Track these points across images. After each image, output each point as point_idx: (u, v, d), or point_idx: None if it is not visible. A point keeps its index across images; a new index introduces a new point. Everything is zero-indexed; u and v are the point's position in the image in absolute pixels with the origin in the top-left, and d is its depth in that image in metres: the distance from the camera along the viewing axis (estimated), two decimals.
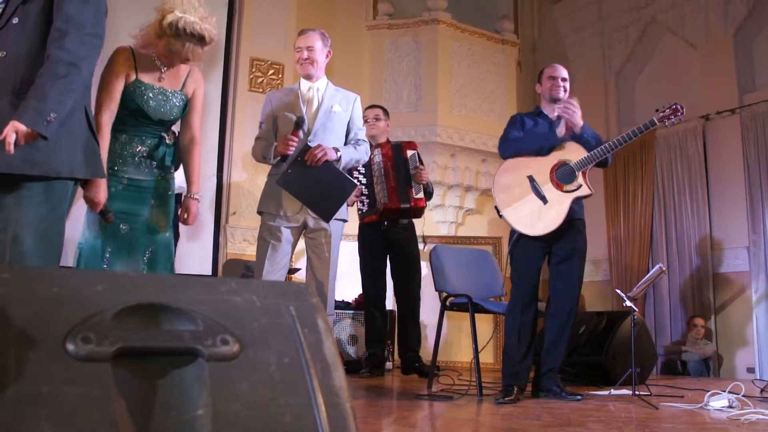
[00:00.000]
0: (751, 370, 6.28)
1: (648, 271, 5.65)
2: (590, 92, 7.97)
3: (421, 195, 4.89)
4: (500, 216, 3.66)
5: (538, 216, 3.55)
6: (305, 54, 3.63)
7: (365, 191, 5.01)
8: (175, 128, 3.23)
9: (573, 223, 3.63)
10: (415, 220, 5.25)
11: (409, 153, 4.95)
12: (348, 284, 6.20)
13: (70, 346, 0.81)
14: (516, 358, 3.54)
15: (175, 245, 3.41)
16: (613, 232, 7.59)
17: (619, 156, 7.57)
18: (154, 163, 3.06)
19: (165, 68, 3.04)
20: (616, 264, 7.49)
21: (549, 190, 3.57)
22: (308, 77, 3.65)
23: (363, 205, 5.04)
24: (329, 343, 1.00)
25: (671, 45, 7.56)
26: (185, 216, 3.19)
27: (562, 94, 3.80)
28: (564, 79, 3.83)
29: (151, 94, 2.99)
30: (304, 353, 0.96)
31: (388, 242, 5.05)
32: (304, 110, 3.59)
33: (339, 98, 3.69)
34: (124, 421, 0.79)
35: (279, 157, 3.51)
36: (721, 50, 6.91)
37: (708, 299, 6.65)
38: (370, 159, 4.94)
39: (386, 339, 5.24)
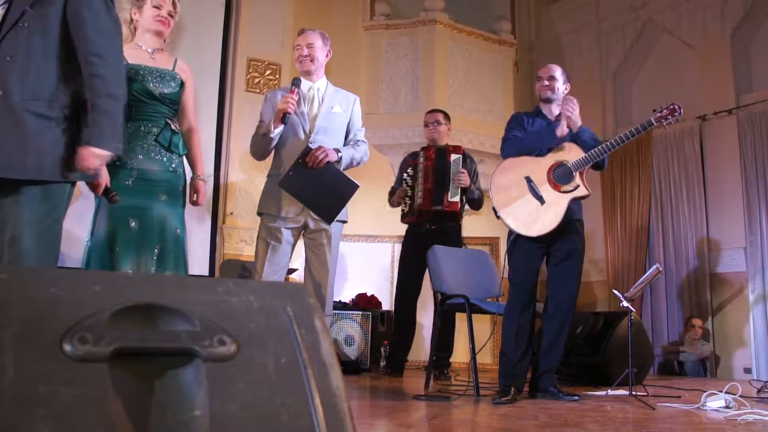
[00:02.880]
0: (748, 371, 6.30)
1: (645, 272, 5.66)
2: (587, 93, 7.97)
3: (456, 199, 4.86)
4: (498, 217, 3.66)
5: (536, 217, 3.55)
6: (305, 51, 3.63)
7: (409, 193, 5.05)
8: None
9: (571, 223, 3.64)
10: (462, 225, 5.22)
11: (453, 157, 4.95)
12: (346, 284, 6.21)
13: (67, 347, 0.81)
14: (513, 358, 3.54)
15: None
16: (610, 232, 7.60)
17: (616, 156, 7.57)
18: (163, 150, 3.11)
19: (152, 51, 3.22)
20: (613, 264, 7.50)
21: (546, 190, 3.57)
22: (308, 75, 3.65)
23: (405, 207, 5.08)
24: (326, 343, 1.00)
25: (668, 45, 7.57)
26: (195, 197, 3.26)
27: (549, 94, 3.80)
28: (551, 78, 3.81)
29: (146, 72, 3.13)
30: (301, 354, 0.96)
31: (431, 245, 5.02)
32: (305, 110, 3.59)
33: (339, 99, 3.69)
34: (121, 422, 0.79)
35: (281, 126, 3.48)
36: (718, 50, 6.93)
37: (705, 300, 6.66)
38: (416, 161, 5.01)
39: (411, 341, 5.21)
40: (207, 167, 5.98)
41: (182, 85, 3.24)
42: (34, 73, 2.32)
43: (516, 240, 3.64)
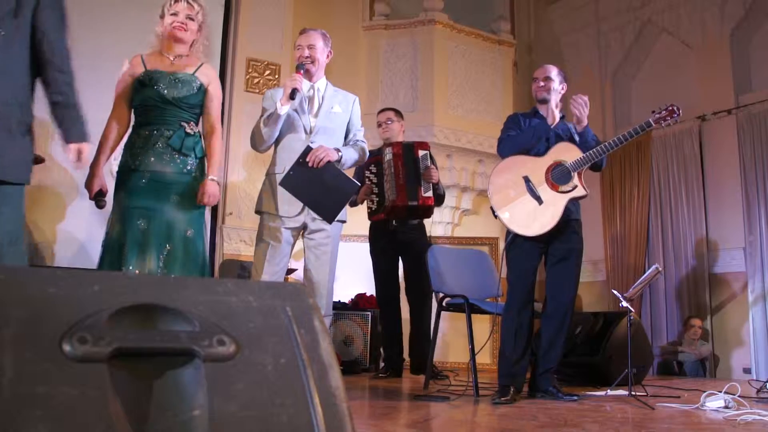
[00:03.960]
0: (747, 371, 6.30)
1: (644, 272, 5.67)
2: (586, 93, 7.92)
3: (429, 194, 4.84)
4: (495, 216, 3.66)
5: (534, 217, 3.55)
6: (306, 52, 3.62)
7: (375, 190, 5.00)
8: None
9: (569, 223, 3.64)
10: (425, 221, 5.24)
11: (421, 153, 4.90)
12: (345, 285, 6.20)
13: (66, 347, 0.81)
14: (512, 358, 3.54)
15: None
16: (610, 232, 7.60)
17: (616, 156, 7.58)
18: (175, 152, 3.14)
19: (173, 57, 3.28)
20: (612, 264, 7.50)
21: (544, 190, 3.57)
22: (308, 76, 3.65)
23: (372, 204, 5.04)
24: (325, 343, 1.00)
25: (667, 45, 7.58)
26: (201, 197, 3.24)
27: (544, 95, 3.79)
28: (547, 79, 3.81)
29: (161, 77, 3.18)
30: (300, 354, 0.96)
31: (399, 243, 5.02)
32: (305, 110, 3.59)
33: (339, 99, 3.69)
34: (120, 422, 0.79)
35: (288, 104, 3.48)
36: (718, 51, 6.93)
37: (704, 300, 6.66)
38: (381, 158, 4.96)
39: (401, 340, 5.20)
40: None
41: (201, 88, 3.27)
42: (15, 79, 2.41)
43: (514, 240, 3.64)
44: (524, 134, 3.71)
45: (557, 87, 3.80)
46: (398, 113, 5.28)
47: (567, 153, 3.61)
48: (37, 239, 5.19)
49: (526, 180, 3.60)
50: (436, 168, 4.96)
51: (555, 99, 3.79)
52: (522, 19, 8.68)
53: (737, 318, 6.51)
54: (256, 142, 3.64)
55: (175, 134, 3.15)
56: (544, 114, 3.82)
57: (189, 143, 3.18)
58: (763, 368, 6.15)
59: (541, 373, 3.66)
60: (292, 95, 3.44)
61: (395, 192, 4.82)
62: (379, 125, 5.20)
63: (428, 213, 4.99)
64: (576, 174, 3.57)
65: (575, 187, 3.57)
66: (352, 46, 7.31)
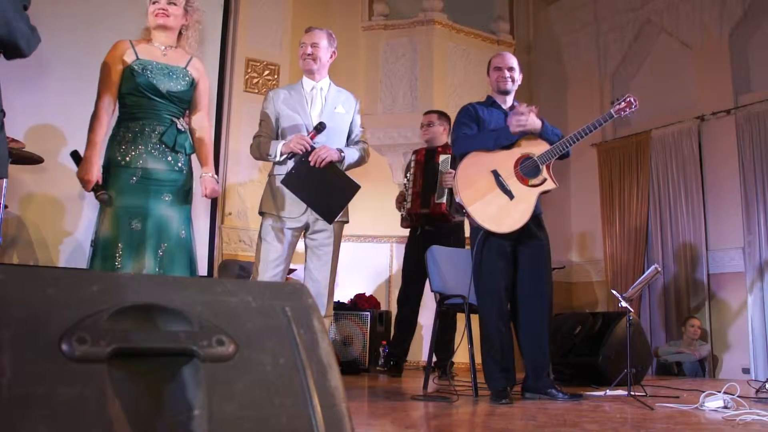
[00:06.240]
0: (746, 371, 6.30)
1: (643, 272, 5.66)
2: (585, 93, 7.99)
3: (442, 200, 4.84)
4: (464, 213, 3.60)
5: (506, 212, 3.48)
6: (309, 50, 3.62)
7: (406, 197, 5.05)
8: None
9: (536, 218, 3.60)
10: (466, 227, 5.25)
11: (441, 158, 4.92)
12: (344, 285, 6.21)
13: (65, 347, 0.81)
14: (501, 362, 3.51)
15: None
16: (609, 232, 7.60)
17: (615, 156, 7.59)
18: (168, 150, 3.09)
19: (164, 48, 3.20)
20: (611, 264, 7.50)
21: (514, 184, 3.52)
22: (310, 74, 3.64)
23: (404, 211, 5.08)
24: (325, 343, 1.00)
25: (667, 46, 7.58)
26: (205, 192, 3.25)
27: (510, 86, 3.78)
28: (511, 69, 3.79)
29: (155, 68, 3.11)
30: (299, 354, 0.96)
31: (427, 248, 5.04)
32: (308, 110, 3.58)
33: (342, 99, 3.69)
34: (119, 422, 0.79)
35: (285, 156, 3.49)
36: (717, 51, 6.93)
37: (703, 300, 6.66)
38: (408, 164, 5.02)
39: (408, 343, 5.23)
40: None
41: (193, 83, 3.24)
42: None
43: (484, 241, 3.54)
44: (483, 137, 3.63)
45: (518, 77, 3.81)
46: (441, 116, 5.29)
47: (534, 146, 3.58)
48: (37, 240, 5.18)
49: (495, 174, 3.53)
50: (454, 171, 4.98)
51: (515, 89, 3.79)
52: (521, 20, 8.67)
53: (736, 318, 6.51)
54: (254, 157, 3.70)
55: (167, 130, 3.10)
56: (501, 104, 3.80)
57: (181, 140, 3.14)
58: (761, 368, 6.15)
59: (537, 376, 3.62)
60: (290, 157, 3.45)
61: (411, 200, 4.87)
62: (421, 127, 5.23)
63: (445, 218, 4.97)
64: (544, 167, 3.55)
65: (545, 180, 3.54)
66: (351, 46, 7.30)
